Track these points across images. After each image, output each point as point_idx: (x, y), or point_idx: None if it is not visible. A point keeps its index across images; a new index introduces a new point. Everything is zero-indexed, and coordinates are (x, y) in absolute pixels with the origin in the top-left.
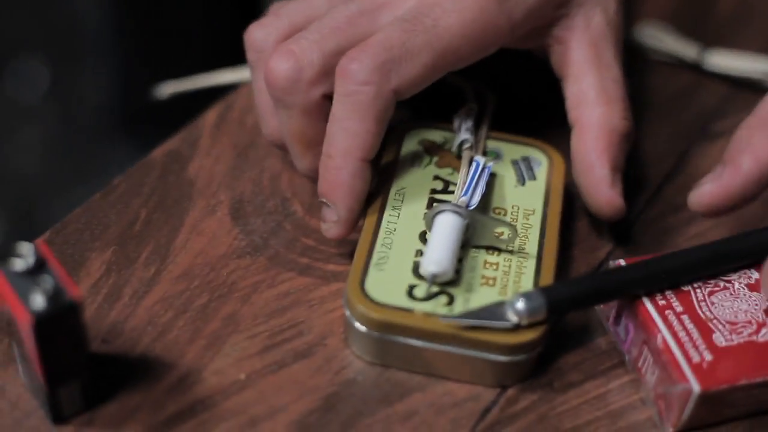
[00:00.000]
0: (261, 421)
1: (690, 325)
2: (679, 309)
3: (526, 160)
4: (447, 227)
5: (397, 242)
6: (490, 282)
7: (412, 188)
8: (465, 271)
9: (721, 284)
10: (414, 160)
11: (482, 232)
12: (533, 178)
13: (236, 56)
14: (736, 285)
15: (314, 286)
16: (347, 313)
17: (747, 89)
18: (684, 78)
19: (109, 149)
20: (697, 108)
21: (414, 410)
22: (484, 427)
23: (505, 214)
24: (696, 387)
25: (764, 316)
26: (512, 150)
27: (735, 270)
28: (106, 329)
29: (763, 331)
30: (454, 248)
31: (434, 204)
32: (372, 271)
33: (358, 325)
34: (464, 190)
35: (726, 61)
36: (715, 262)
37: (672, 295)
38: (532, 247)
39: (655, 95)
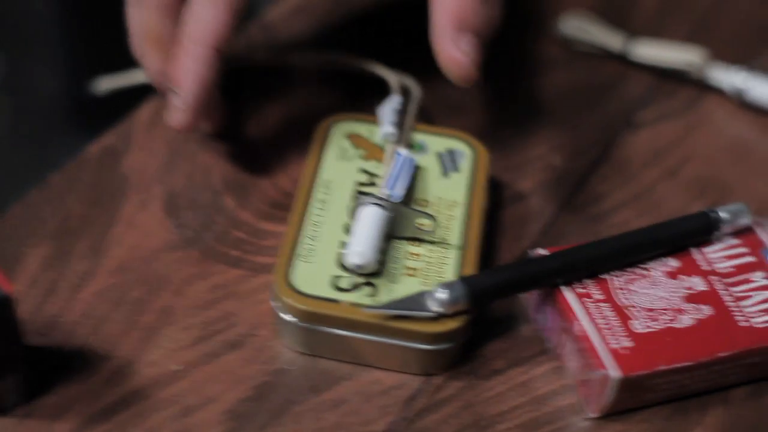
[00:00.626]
0: (194, 410)
1: (608, 313)
2: (598, 296)
3: (451, 152)
4: (370, 219)
5: (323, 234)
6: (413, 272)
7: (339, 181)
8: (388, 262)
9: (639, 272)
10: (340, 153)
11: (405, 223)
12: (456, 169)
13: None
14: (654, 273)
15: (245, 278)
16: (274, 304)
17: (672, 79)
18: (609, 69)
19: (61, 140)
20: (622, 98)
21: (343, 398)
22: (410, 413)
23: (428, 206)
24: (615, 373)
25: (682, 303)
26: (437, 142)
27: (652, 258)
28: (43, 323)
29: (681, 317)
30: (377, 240)
31: (358, 196)
32: (298, 263)
33: (285, 316)
34: (387, 182)
35: (651, 51)
36: (633, 251)
37: (591, 283)
38: (454, 238)
39: (580, 86)
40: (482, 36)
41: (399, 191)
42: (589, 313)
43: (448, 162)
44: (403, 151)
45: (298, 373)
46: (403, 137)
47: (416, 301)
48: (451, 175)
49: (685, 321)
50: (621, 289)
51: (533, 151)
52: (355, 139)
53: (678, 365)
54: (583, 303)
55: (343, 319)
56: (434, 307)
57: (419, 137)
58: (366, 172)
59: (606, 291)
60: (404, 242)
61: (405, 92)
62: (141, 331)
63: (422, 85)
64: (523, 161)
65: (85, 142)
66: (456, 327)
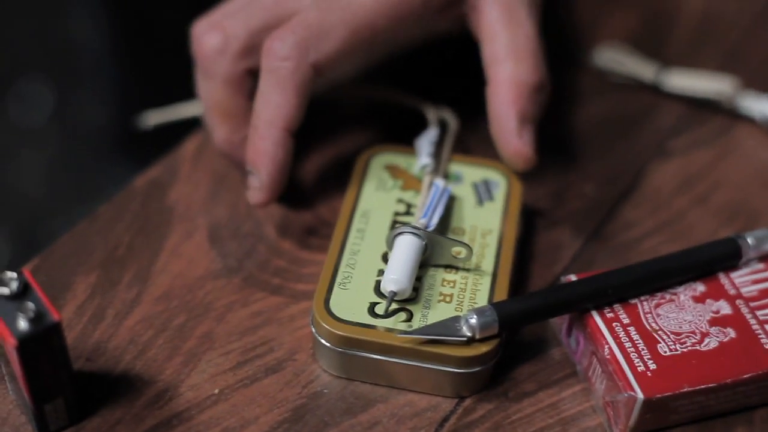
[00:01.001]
0: None
1: (636, 336)
2: (626, 321)
3: (485, 182)
4: (406, 248)
5: (361, 262)
6: (447, 299)
7: (377, 210)
8: (424, 289)
9: (667, 296)
10: (379, 183)
11: (440, 251)
12: (491, 199)
13: None
14: (682, 297)
15: (285, 305)
16: (313, 330)
17: (704, 108)
18: (642, 99)
19: (109, 169)
20: (654, 127)
21: (376, 420)
22: None
23: (463, 234)
24: (640, 394)
25: (708, 327)
26: (472, 172)
27: (680, 283)
28: (90, 348)
29: (707, 340)
30: (412, 267)
31: (395, 225)
32: (336, 290)
33: (323, 341)
34: (424, 212)
35: (682, 81)
36: (661, 277)
37: (620, 308)
38: (488, 265)
39: (613, 116)
40: (538, 122)
41: (434, 220)
42: (617, 337)
43: (483, 191)
44: (440, 182)
45: (334, 396)
46: (439, 168)
47: (448, 326)
48: (485, 204)
49: (711, 344)
50: (649, 313)
51: (566, 180)
52: (394, 170)
53: (702, 387)
54: (611, 327)
55: (379, 344)
56: (466, 332)
57: (455, 168)
58: (403, 202)
59: (634, 315)
60: (439, 269)
61: (442, 124)
62: (183, 356)
63: (459, 116)
64: (556, 190)
65: (132, 172)
66: (487, 351)
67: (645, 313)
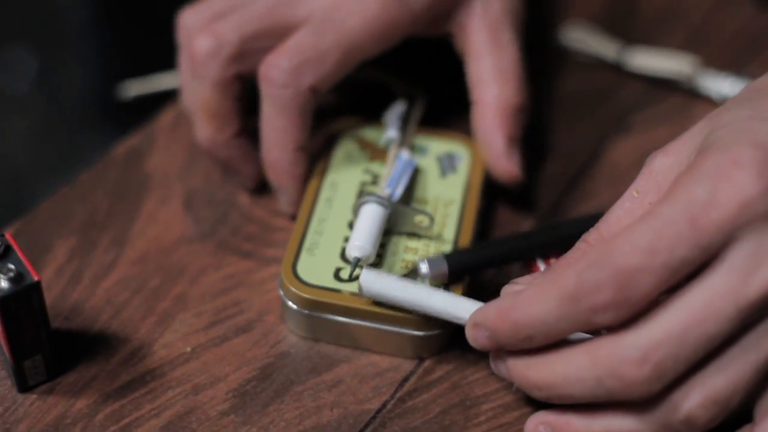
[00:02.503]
0: (203, 389)
1: None
2: None
3: (449, 155)
4: (371, 216)
5: (328, 230)
6: (410, 265)
7: (344, 181)
8: (387, 256)
9: None
10: (347, 155)
11: (404, 220)
12: (454, 171)
13: None
14: None
15: (255, 269)
16: (281, 293)
17: (664, 87)
18: (604, 77)
19: (92, 136)
20: (615, 104)
21: (340, 379)
22: (402, 394)
23: (426, 204)
24: None
25: None
26: (437, 145)
27: None
28: (68, 308)
29: None
30: (376, 235)
31: (361, 195)
32: (303, 256)
33: (290, 303)
34: (389, 182)
35: (644, 60)
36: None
37: None
38: (449, 234)
39: (576, 93)
40: (522, 138)
41: (399, 191)
42: None
43: (447, 164)
44: (405, 154)
45: (300, 356)
46: (405, 141)
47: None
48: (448, 177)
49: None
50: None
51: (529, 154)
52: (362, 143)
53: None
54: None
55: (343, 307)
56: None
57: (421, 141)
58: (370, 172)
59: None
60: (402, 237)
61: (410, 98)
62: (157, 316)
63: (426, 91)
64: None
65: (114, 139)
66: None
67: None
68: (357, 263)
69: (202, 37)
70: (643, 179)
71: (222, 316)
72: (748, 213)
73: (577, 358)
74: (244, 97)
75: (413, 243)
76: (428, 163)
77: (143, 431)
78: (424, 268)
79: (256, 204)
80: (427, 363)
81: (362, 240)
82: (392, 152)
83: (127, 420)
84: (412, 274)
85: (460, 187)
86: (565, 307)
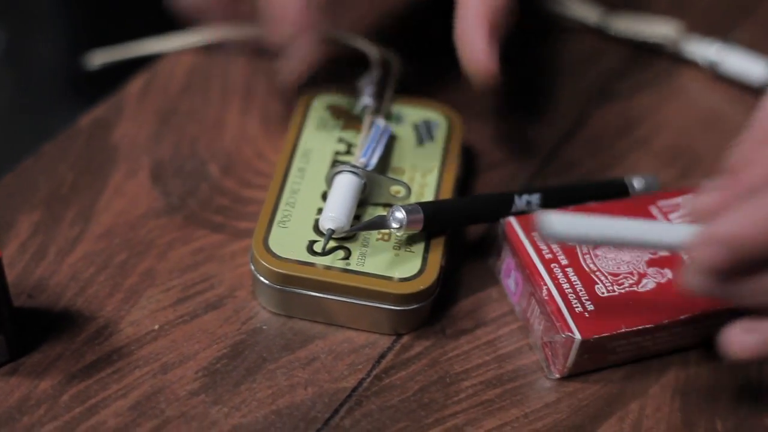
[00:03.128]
0: (172, 367)
1: (574, 278)
2: (564, 262)
3: (426, 122)
4: (345, 186)
5: (301, 201)
6: (386, 237)
7: (318, 150)
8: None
9: None
10: (321, 123)
11: (379, 190)
12: (432, 139)
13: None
14: None
15: (226, 242)
16: (252, 267)
17: (647, 52)
18: (587, 42)
19: (61, 109)
20: (598, 70)
21: (314, 356)
22: (379, 371)
23: (403, 174)
24: (578, 335)
25: (645, 268)
26: (414, 113)
27: None
28: (32, 285)
29: (644, 281)
30: (350, 206)
31: (335, 164)
32: (276, 229)
33: (262, 278)
34: (363, 151)
35: (627, 24)
36: (581, 192)
37: (558, 249)
38: None
39: (558, 59)
40: (500, 42)
41: (374, 160)
42: (555, 279)
43: (424, 132)
44: (380, 122)
45: (273, 333)
46: (381, 108)
47: (377, 222)
48: (426, 145)
49: (648, 285)
50: (587, 254)
51: (508, 122)
52: (335, 111)
53: (638, 328)
54: (550, 268)
55: (317, 281)
56: (393, 224)
57: (397, 109)
58: (344, 141)
59: (573, 256)
60: (378, 208)
61: (386, 66)
62: (124, 292)
63: (403, 58)
64: (499, 131)
65: (82, 113)
66: (424, 288)
67: (583, 254)
68: (330, 236)
69: None
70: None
71: (191, 292)
72: None
73: None
74: None
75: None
76: (405, 131)
77: (110, 412)
78: (399, 214)
79: (227, 175)
80: (404, 339)
81: (336, 211)
82: (367, 120)
83: (93, 401)
84: (379, 223)
85: (438, 156)
86: None
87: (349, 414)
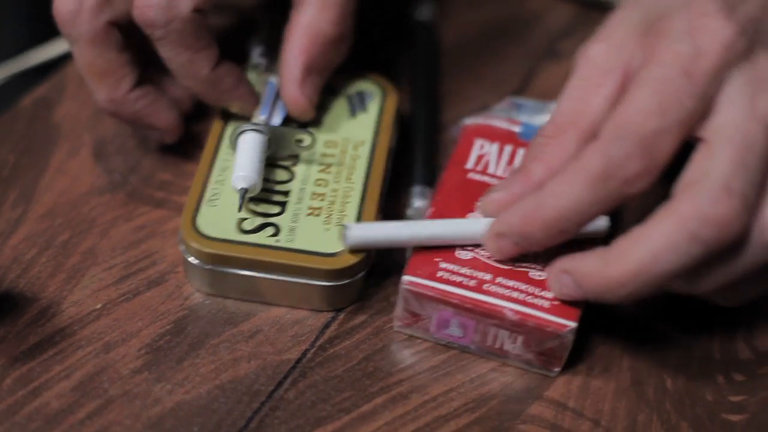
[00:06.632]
0: (115, 346)
1: (511, 282)
2: (488, 277)
3: (360, 93)
4: (249, 144)
5: (229, 179)
6: (316, 212)
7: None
8: (291, 204)
9: None
10: None
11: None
12: (365, 110)
13: None
14: None
15: (168, 217)
16: (181, 248)
17: (595, 10)
18: (535, 1)
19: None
20: (545, 29)
21: (258, 329)
22: (323, 341)
23: (335, 146)
24: (571, 324)
25: None
26: (347, 84)
27: None
28: None
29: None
30: (258, 163)
31: (236, 126)
32: (204, 208)
33: (192, 259)
34: (262, 109)
35: None
36: None
37: (471, 272)
38: (359, 177)
39: (504, 20)
40: (328, 74)
41: (277, 118)
42: (501, 296)
43: (357, 103)
44: (274, 79)
45: (216, 307)
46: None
47: None
48: (359, 116)
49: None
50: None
51: (453, 86)
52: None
53: None
54: (486, 290)
55: (246, 260)
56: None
57: (331, 81)
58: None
59: (491, 268)
60: (310, 183)
61: (271, 24)
62: (67, 272)
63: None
64: (443, 95)
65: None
66: (355, 262)
67: (490, 259)
68: (245, 194)
69: None
70: (583, 69)
71: (133, 269)
72: (732, 53)
73: (659, 227)
74: (132, 45)
75: (320, 189)
76: (338, 103)
77: (53, 394)
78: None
79: (169, 150)
80: (349, 308)
81: (245, 170)
82: (261, 79)
83: (36, 383)
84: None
85: (371, 127)
86: (597, 187)
87: (294, 385)
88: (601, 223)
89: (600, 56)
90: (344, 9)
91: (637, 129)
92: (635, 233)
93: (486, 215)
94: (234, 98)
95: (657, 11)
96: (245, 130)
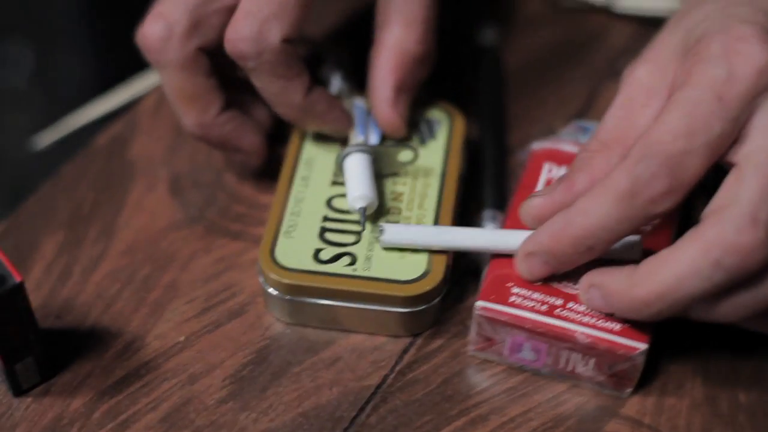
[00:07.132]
0: (199, 377)
1: (581, 307)
2: (559, 302)
3: (428, 120)
4: (357, 165)
5: (305, 210)
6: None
7: (320, 157)
8: (366, 233)
9: None
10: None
11: (388, 161)
12: (433, 137)
13: None
14: None
15: (246, 249)
16: (261, 280)
17: (654, 27)
18: (593, 21)
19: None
20: (605, 49)
21: (338, 356)
22: (402, 366)
23: (406, 175)
24: (642, 346)
25: None
26: (415, 112)
27: None
28: (59, 306)
29: None
30: (370, 181)
31: (340, 150)
32: (281, 240)
33: (271, 290)
34: (358, 131)
35: (633, 1)
36: None
37: (543, 297)
38: (430, 204)
39: (565, 41)
40: (416, 91)
41: (373, 137)
42: (572, 320)
43: (426, 131)
44: (359, 101)
45: (296, 336)
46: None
47: None
48: (428, 144)
49: None
50: (561, 284)
51: (517, 109)
52: None
53: None
54: (558, 315)
55: (324, 289)
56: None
57: None
58: (346, 144)
59: (560, 293)
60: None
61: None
62: (149, 306)
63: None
64: (509, 118)
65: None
66: (430, 288)
67: (563, 286)
68: (364, 213)
69: (151, 25)
70: (629, 88)
71: (214, 302)
72: (765, 79)
73: (685, 251)
74: (218, 70)
75: (394, 217)
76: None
77: (141, 426)
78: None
79: (242, 183)
80: (426, 332)
81: (360, 190)
82: (345, 103)
83: (124, 416)
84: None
85: (440, 154)
86: (624, 206)
87: (375, 411)
88: (634, 249)
89: (646, 77)
90: (428, 27)
91: (663, 149)
92: (663, 255)
93: (523, 218)
94: (328, 122)
95: (697, 33)
96: (350, 153)
